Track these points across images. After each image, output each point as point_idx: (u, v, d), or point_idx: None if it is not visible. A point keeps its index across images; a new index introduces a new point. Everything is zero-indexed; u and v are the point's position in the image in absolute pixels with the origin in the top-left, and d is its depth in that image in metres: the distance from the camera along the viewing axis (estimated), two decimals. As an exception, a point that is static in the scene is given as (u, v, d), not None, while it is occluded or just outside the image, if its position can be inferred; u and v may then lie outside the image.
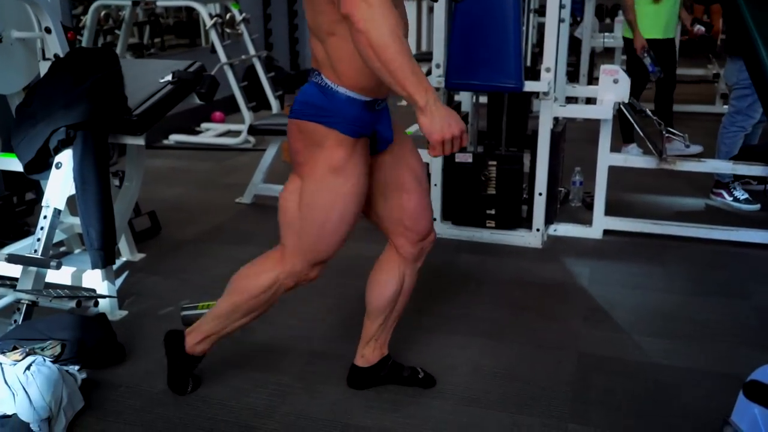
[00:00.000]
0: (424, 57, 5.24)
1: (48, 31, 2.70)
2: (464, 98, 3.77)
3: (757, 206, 3.78)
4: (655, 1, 4.53)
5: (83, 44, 5.15)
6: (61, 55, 2.71)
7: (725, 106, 5.96)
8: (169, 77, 2.67)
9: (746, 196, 3.83)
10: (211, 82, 2.71)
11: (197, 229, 3.61)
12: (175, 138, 5.41)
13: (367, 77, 1.74)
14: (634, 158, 3.57)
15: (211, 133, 5.66)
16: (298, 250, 1.90)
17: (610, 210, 3.46)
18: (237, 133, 5.47)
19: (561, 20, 3.25)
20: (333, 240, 1.88)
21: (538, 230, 3.32)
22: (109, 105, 2.48)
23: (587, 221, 3.48)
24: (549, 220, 3.41)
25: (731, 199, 3.85)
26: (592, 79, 5.92)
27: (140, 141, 2.60)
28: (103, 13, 5.49)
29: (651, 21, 4.52)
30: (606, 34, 6.27)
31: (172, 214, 3.73)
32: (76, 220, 2.95)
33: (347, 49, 1.71)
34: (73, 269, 2.66)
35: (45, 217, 2.41)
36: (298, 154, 1.84)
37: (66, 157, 2.42)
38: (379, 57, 1.51)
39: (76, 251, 3.21)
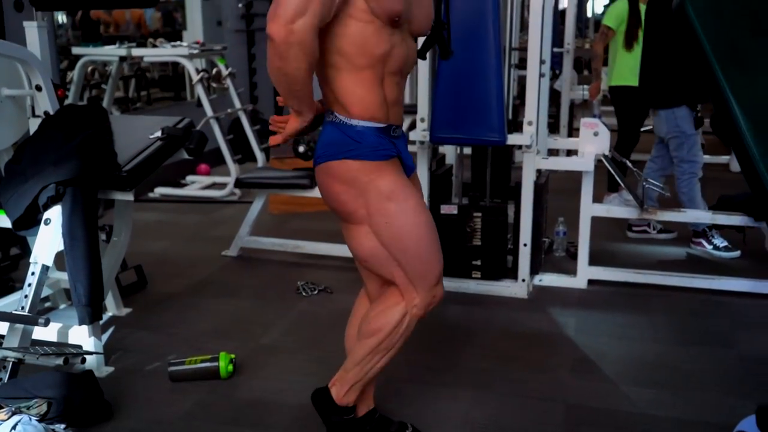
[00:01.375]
0: (408, 110, 5.32)
1: (39, 89, 2.74)
2: (448, 151, 3.83)
3: (737, 253, 3.85)
4: (627, 48, 4.68)
5: (70, 99, 5.20)
6: (51, 113, 2.75)
7: (704, 156, 6.13)
8: (158, 133, 2.71)
9: (725, 243, 3.89)
10: (199, 138, 2.75)
11: (184, 283, 3.61)
12: (160, 191, 5.44)
13: (374, 104, 1.84)
14: (616, 209, 3.64)
15: (196, 185, 5.69)
16: (411, 281, 1.92)
17: (594, 260, 3.51)
18: (222, 186, 5.50)
19: (541, 75, 3.33)
20: (435, 252, 1.92)
21: (523, 280, 3.36)
22: (99, 161, 2.51)
23: (572, 271, 3.52)
24: (534, 270, 3.45)
25: (711, 247, 3.92)
26: (572, 131, 6.04)
27: (129, 197, 2.63)
28: (90, 68, 5.57)
29: (627, 69, 4.65)
30: (584, 86, 6.41)
31: (158, 268, 3.73)
32: (62, 275, 2.94)
33: (348, 81, 1.84)
34: (59, 325, 2.65)
35: (33, 273, 2.41)
36: (344, 203, 1.87)
37: (55, 214, 2.44)
38: (292, 81, 1.73)
39: (62, 306, 3.19)
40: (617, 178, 3.51)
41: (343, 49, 1.81)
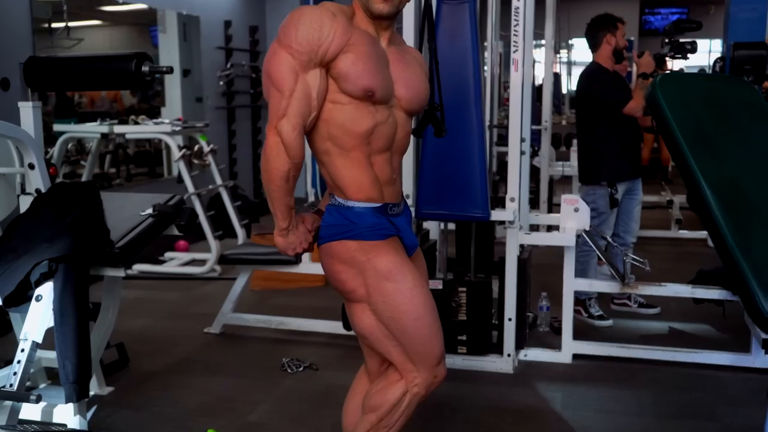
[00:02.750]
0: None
1: (32, 167, 2.85)
2: (432, 226, 3.97)
3: (610, 322, 4.11)
4: None
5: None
6: (43, 190, 2.85)
7: (681, 231, 6.36)
8: (149, 210, 2.82)
9: (600, 312, 4.15)
10: (190, 215, 2.86)
11: (166, 361, 3.65)
12: (139, 268, 5.49)
13: (367, 185, 1.97)
14: (598, 283, 3.78)
15: (175, 262, 5.76)
16: (411, 360, 1.97)
17: (578, 334, 3.63)
18: (202, 262, 5.58)
19: (522, 152, 3.52)
20: (435, 332, 1.98)
21: (509, 355, 3.45)
22: (92, 238, 2.60)
23: (556, 346, 3.63)
24: (519, 345, 3.55)
25: (586, 315, 4.15)
26: (552, 206, 6.24)
27: (121, 273, 2.71)
28: (70, 144, 5.70)
29: None
30: (564, 162, 6.66)
31: (139, 346, 3.77)
32: (43, 354, 2.98)
33: (339, 164, 1.97)
34: (43, 404, 2.67)
35: (22, 350, 2.46)
36: (344, 282, 1.97)
37: (47, 290, 2.50)
38: (269, 180, 1.89)
39: (42, 386, 3.21)
40: (598, 253, 3.67)
41: (330, 133, 1.95)
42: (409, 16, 3.34)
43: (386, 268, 1.94)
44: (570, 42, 10.45)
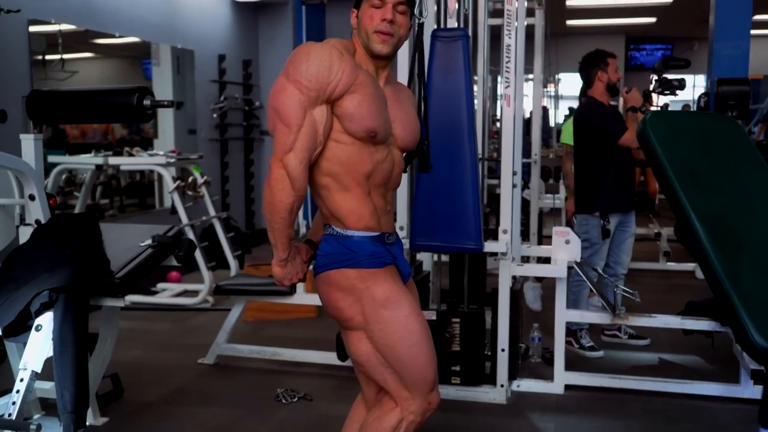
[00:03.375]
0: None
1: (32, 198, 2.89)
2: (425, 257, 4.02)
3: (600, 353, 4.15)
4: None
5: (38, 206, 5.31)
6: (44, 221, 2.89)
7: (669, 263, 6.44)
8: (149, 241, 2.86)
9: (591, 343, 4.19)
10: (189, 246, 2.90)
11: (160, 392, 3.65)
12: (131, 299, 5.49)
13: (367, 215, 2.02)
14: (589, 314, 3.83)
15: (167, 293, 5.76)
16: (405, 387, 2.01)
17: (570, 365, 3.66)
18: (194, 293, 5.59)
19: (513, 185, 3.58)
20: (429, 359, 2.02)
21: (502, 386, 3.48)
22: (92, 268, 2.63)
23: (549, 377, 3.66)
24: (512, 375, 3.58)
25: (578, 346, 4.19)
26: (542, 238, 6.31)
27: (120, 303, 2.74)
28: (64, 175, 5.72)
29: None
30: (554, 195, 6.74)
31: (134, 377, 3.77)
32: (39, 384, 2.99)
33: (339, 197, 2.03)
34: (40, 434, 2.68)
35: (21, 379, 2.48)
36: (341, 310, 2.01)
37: (47, 320, 2.53)
38: (272, 212, 1.92)
39: (36, 416, 3.21)
40: (589, 284, 3.73)
41: (331, 170, 2.01)
42: (402, 51, 3.42)
43: (383, 295, 1.99)
44: (557, 76, 10.62)
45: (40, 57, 5.35)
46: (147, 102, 2.78)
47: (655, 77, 4.17)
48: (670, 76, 4.27)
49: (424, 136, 2.36)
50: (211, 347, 4.10)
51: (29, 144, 2.96)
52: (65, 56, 5.66)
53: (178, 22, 6.77)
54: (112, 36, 6.00)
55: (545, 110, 9.63)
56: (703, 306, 3.62)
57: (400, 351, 1.99)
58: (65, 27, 5.43)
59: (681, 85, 4.19)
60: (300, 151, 1.91)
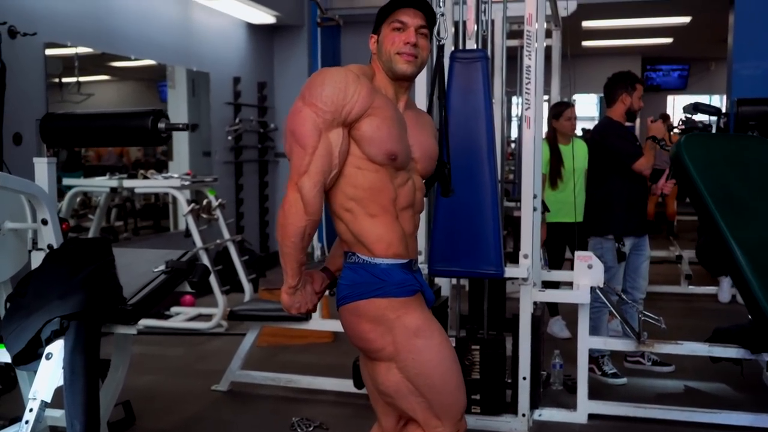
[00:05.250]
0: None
1: (45, 222, 2.83)
2: (444, 282, 3.94)
3: (624, 380, 4.03)
4: (552, 187, 4.96)
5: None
6: (56, 246, 2.83)
7: (690, 287, 6.32)
8: (162, 267, 2.80)
9: (614, 370, 4.08)
10: (203, 272, 2.84)
11: (173, 420, 3.58)
12: (144, 323, 5.42)
13: (396, 241, 1.97)
14: (613, 341, 3.73)
15: (181, 317, 5.70)
16: (435, 415, 1.96)
17: (592, 393, 3.56)
18: (208, 317, 5.52)
19: (534, 209, 3.50)
20: (460, 386, 1.98)
21: (523, 415, 3.38)
22: (104, 295, 2.57)
23: (571, 405, 3.56)
24: (533, 404, 3.48)
25: (600, 373, 4.08)
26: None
27: (133, 330, 2.67)
28: (78, 198, 5.70)
29: (554, 206, 4.87)
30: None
31: (146, 404, 3.70)
32: (49, 412, 2.92)
33: (366, 223, 1.97)
34: (50, 465, 2.61)
35: (31, 410, 2.41)
36: (372, 341, 1.95)
37: (57, 348, 2.46)
38: (284, 235, 1.89)
39: (46, 446, 3.14)
40: (612, 309, 3.63)
41: (356, 195, 1.97)
42: (421, 73, 3.36)
43: (416, 324, 1.94)
44: (573, 98, 10.57)
45: (56, 80, 5.36)
46: (162, 125, 2.73)
47: (683, 117, 4.09)
48: (696, 118, 4.19)
49: (446, 160, 2.32)
50: (224, 374, 4.03)
51: (42, 167, 2.91)
52: (81, 79, 5.67)
53: (193, 45, 6.77)
54: (128, 59, 6.00)
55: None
56: (731, 332, 3.52)
57: (433, 379, 1.95)
58: (82, 50, 5.43)
59: (705, 129, 4.12)
60: (314, 174, 1.88)
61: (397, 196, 1.99)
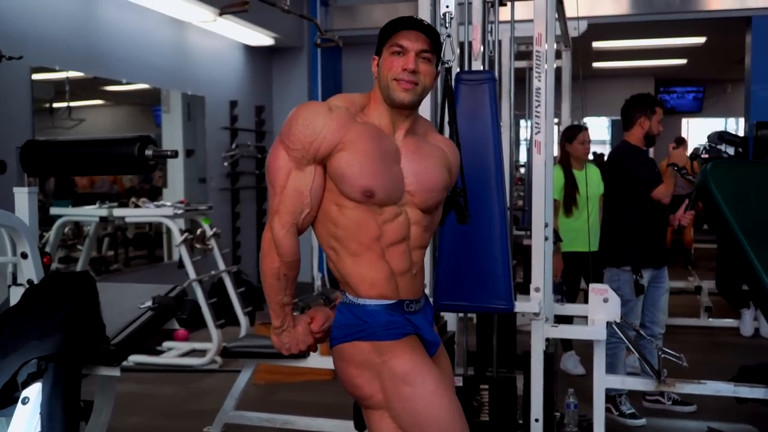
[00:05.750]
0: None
1: (24, 256, 2.76)
2: (450, 317, 3.83)
3: (643, 421, 3.93)
4: (566, 214, 4.88)
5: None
6: (36, 281, 2.75)
7: (711, 319, 6.20)
8: (149, 303, 2.71)
9: (632, 410, 3.97)
10: (192, 309, 2.76)
11: (162, 465, 3.47)
12: (135, 359, 5.33)
13: (380, 281, 1.90)
14: (631, 380, 3.61)
15: (174, 352, 5.60)
16: None
17: (611, 436, 3.45)
18: (202, 353, 5.42)
19: (545, 238, 3.41)
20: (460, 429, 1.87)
21: (536, 460, 3.27)
22: (85, 334, 2.49)
23: (587, 449, 3.44)
24: (547, 448, 3.36)
25: (617, 413, 3.98)
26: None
27: (116, 372, 2.58)
28: (67, 228, 5.63)
29: (569, 234, 4.81)
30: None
31: (133, 448, 3.60)
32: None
33: (348, 261, 1.92)
34: None
35: (5, 459, 2.31)
36: (359, 387, 1.87)
37: (34, 392, 2.37)
38: (262, 276, 1.90)
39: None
40: (629, 346, 3.52)
41: (336, 234, 1.92)
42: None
43: (403, 370, 1.85)
44: (584, 121, 10.54)
45: (47, 105, 5.32)
46: (149, 152, 2.66)
47: (706, 146, 4.02)
48: (719, 147, 4.13)
49: (459, 187, 2.27)
50: (217, 415, 3.91)
51: (23, 198, 2.84)
52: (72, 104, 5.63)
53: (188, 68, 6.74)
54: (119, 83, 5.96)
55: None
56: (759, 371, 3.41)
57: (431, 428, 1.84)
58: (73, 74, 5.39)
59: (731, 157, 4.06)
60: (284, 214, 1.86)
61: (382, 234, 1.91)
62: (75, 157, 2.80)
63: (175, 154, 2.68)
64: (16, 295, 2.81)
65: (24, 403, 2.39)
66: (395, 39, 1.92)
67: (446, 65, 2.29)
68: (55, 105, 5.44)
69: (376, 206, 1.90)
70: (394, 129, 1.97)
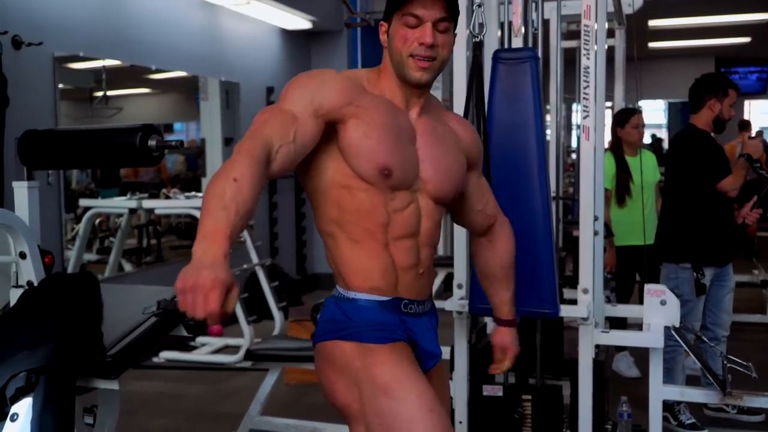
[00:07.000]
0: (443, 262, 5.10)
1: (23, 256, 2.56)
2: (489, 319, 3.55)
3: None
4: (619, 205, 4.53)
5: (73, 254, 5.07)
6: (35, 283, 2.56)
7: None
8: (153, 308, 2.48)
9: (692, 420, 3.66)
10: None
11: (181, 476, 3.28)
12: (165, 355, 5.16)
13: (377, 272, 1.66)
14: (691, 391, 3.28)
15: (206, 349, 5.41)
16: None
17: (668, 451, 3.13)
18: (236, 349, 5.23)
19: (595, 233, 3.10)
20: None
21: (585, 479, 2.97)
22: (79, 344, 2.28)
23: (642, 465, 3.14)
24: (597, 465, 3.06)
25: (675, 423, 3.68)
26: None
27: (114, 385, 2.37)
28: (98, 220, 5.50)
29: (622, 227, 4.47)
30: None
31: (153, 456, 3.42)
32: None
33: (347, 249, 1.68)
34: None
35: (-8, 481, 2.12)
36: (336, 394, 1.66)
37: (24, 408, 2.17)
38: (208, 194, 1.48)
39: None
40: (690, 354, 3.19)
41: (339, 219, 1.69)
42: (460, 76, 3.00)
43: (385, 379, 1.60)
44: (639, 104, 10.10)
45: (86, 94, 5.24)
46: (152, 143, 2.42)
47: None
48: None
49: (486, 175, 2.00)
50: (242, 420, 3.70)
51: (22, 193, 2.65)
52: (112, 92, 5.52)
53: (222, 53, 6.53)
54: (149, 70, 5.78)
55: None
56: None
57: None
58: (109, 62, 5.25)
59: None
60: (256, 137, 1.58)
61: (390, 222, 1.68)
62: (73, 148, 2.58)
63: (180, 144, 2.44)
64: (16, 297, 2.63)
65: (13, 420, 2.18)
66: (408, 7, 1.65)
67: (476, 39, 1.99)
68: (96, 94, 5.33)
69: (388, 190, 1.67)
70: (407, 106, 1.74)
